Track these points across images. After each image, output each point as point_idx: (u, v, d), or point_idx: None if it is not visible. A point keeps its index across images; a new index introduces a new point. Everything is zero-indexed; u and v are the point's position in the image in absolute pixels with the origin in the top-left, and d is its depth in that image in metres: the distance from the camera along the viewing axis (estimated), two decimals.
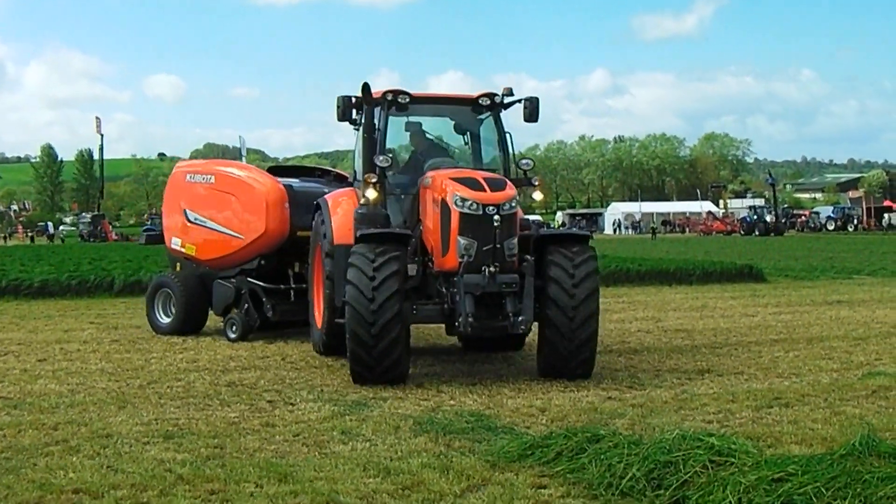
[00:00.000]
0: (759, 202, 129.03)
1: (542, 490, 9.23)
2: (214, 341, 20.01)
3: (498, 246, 14.74)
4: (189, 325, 21.33)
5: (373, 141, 16.41)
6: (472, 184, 15.08)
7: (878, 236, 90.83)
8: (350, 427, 11.94)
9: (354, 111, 17.25)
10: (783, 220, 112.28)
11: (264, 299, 20.25)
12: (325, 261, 17.15)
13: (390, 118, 16.94)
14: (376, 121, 16.63)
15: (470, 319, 14.43)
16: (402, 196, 16.81)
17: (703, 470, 8.64)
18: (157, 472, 9.86)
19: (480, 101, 17.22)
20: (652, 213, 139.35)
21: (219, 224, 20.87)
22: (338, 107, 16.87)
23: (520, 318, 14.57)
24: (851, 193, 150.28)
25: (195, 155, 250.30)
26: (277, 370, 16.38)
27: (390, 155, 16.57)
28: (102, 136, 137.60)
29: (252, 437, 11.53)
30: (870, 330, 21.29)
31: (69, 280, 32.49)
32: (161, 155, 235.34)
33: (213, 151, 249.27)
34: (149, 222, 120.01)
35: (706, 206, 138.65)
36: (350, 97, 16.87)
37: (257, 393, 14.34)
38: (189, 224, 21.54)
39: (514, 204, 15.19)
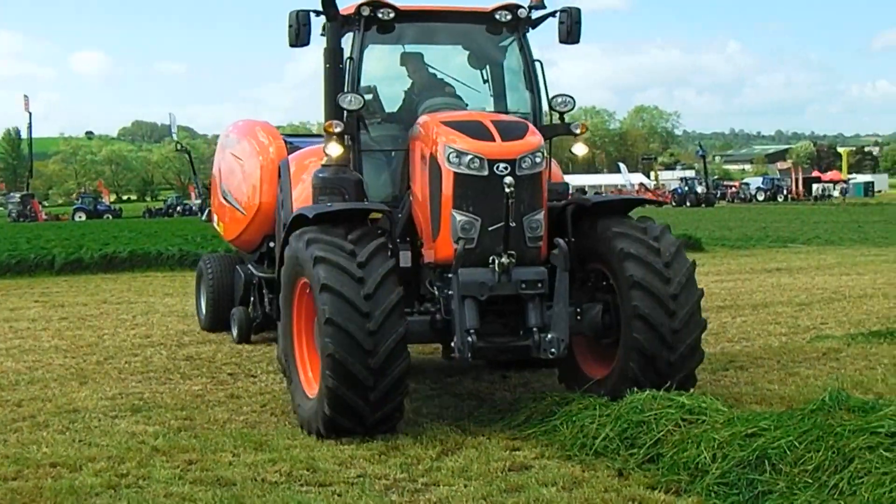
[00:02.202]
0: (690, 174, 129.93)
1: (517, 452, 9.44)
2: (164, 317, 19.95)
3: (513, 224, 10.32)
4: (218, 321, 17.69)
5: (338, 74, 11.74)
6: (473, 130, 10.65)
7: (807, 206, 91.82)
8: None
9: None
10: (714, 192, 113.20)
11: (265, 291, 16.04)
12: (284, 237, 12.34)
13: (373, 46, 12.25)
14: (347, 47, 11.96)
15: (471, 339, 10.12)
16: (392, 154, 12.13)
17: (675, 428, 8.81)
18: (132, 444, 9.95)
19: (498, 17, 12.23)
20: (583, 186, 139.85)
21: (233, 196, 16.59)
22: (290, 26, 11.76)
23: (548, 337, 10.26)
24: (780, 165, 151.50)
25: (122, 133, 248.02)
26: (233, 344, 16.36)
27: (368, 95, 12.03)
28: (31, 114, 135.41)
29: (219, 408, 11.63)
30: (812, 296, 21.62)
31: (9, 259, 32.13)
32: (89, 133, 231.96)
33: (142, 129, 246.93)
34: (78, 201, 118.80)
35: (635, 178, 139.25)
36: (307, 12, 11.81)
37: (217, 366, 14.41)
38: (220, 197, 17.37)
39: (538, 159, 10.65)
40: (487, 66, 12.82)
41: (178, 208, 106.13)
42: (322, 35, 12.03)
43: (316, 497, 8.25)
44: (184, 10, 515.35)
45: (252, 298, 16.65)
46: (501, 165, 10.29)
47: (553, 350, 10.19)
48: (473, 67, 12.88)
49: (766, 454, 7.85)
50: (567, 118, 12.08)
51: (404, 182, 11.73)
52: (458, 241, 10.34)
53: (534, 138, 10.73)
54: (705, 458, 8.18)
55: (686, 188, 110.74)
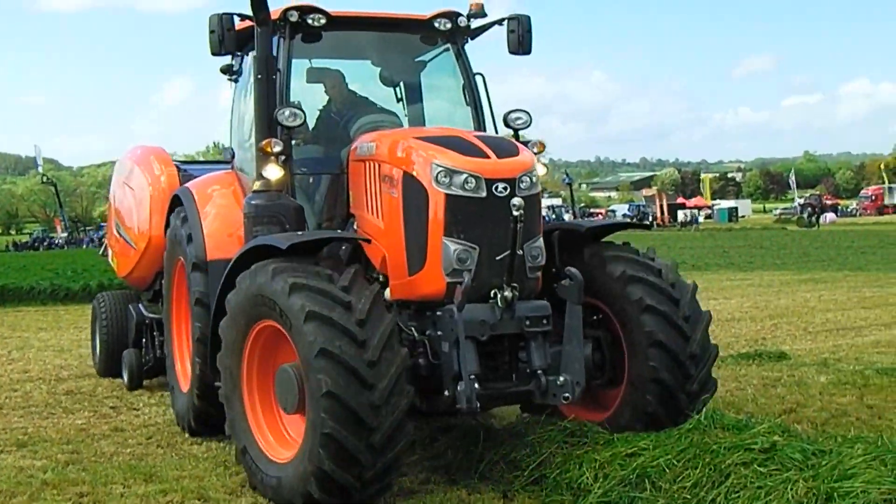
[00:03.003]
0: (557, 202, 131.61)
1: (403, 478, 9.54)
2: (40, 352, 19.75)
3: (519, 252, 9.05)
4: (113, 365, 16.08)
5: (272, 85, 10.38)
6: (462, 146, 9.32)
7: (673, 232, 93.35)
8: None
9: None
10: (581, 219, 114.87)
11: (155, 333, 14.83)
12: (193, 277, 11.21)
13: (292, 59, 10.87)
14: (277, 54, 10.70)
15: (477, 386, 8.67)
16: (311, 179, 10.92)
17: (558, 450, 9.07)
18: (21, 478, 9.94)
19: (437, 25, 11.22)
20: None
21: (124, 229, 15.14)
22: (212, 31, 10.49)
23: (560, 380, 9.04)
24: (645, 191, 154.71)
25: None
26: (113, 377, 16.19)
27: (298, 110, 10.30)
28: None
29: (105, 441, 11.66)
30: None
31: None
32: None
33: (5, 161, 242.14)
34: None
35: None
36: (231, 16, 10.56)
37: (98, 400, 14.37)
38: (114, 230, 15.89)
39: (534, 178, 9.41)
40: (410, 82, 11.98)
41: (46, 242, 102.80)
42: None
43: None
44: (43, 42, 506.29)
45: (144, 340, 15.29)
46: (501, 186, 9.04)
47: (567, 395, 9.01)
48: (386, 85, 11.97)
49: (646, 472, 8.18)
50: (521, 136, 10.97)
51: (338, 208, 10.63)
52: (462, 274, 8.92)
53: (528, 156, 9.57)
54: (587, 477, 8.47)
55: (553, 216, 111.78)
